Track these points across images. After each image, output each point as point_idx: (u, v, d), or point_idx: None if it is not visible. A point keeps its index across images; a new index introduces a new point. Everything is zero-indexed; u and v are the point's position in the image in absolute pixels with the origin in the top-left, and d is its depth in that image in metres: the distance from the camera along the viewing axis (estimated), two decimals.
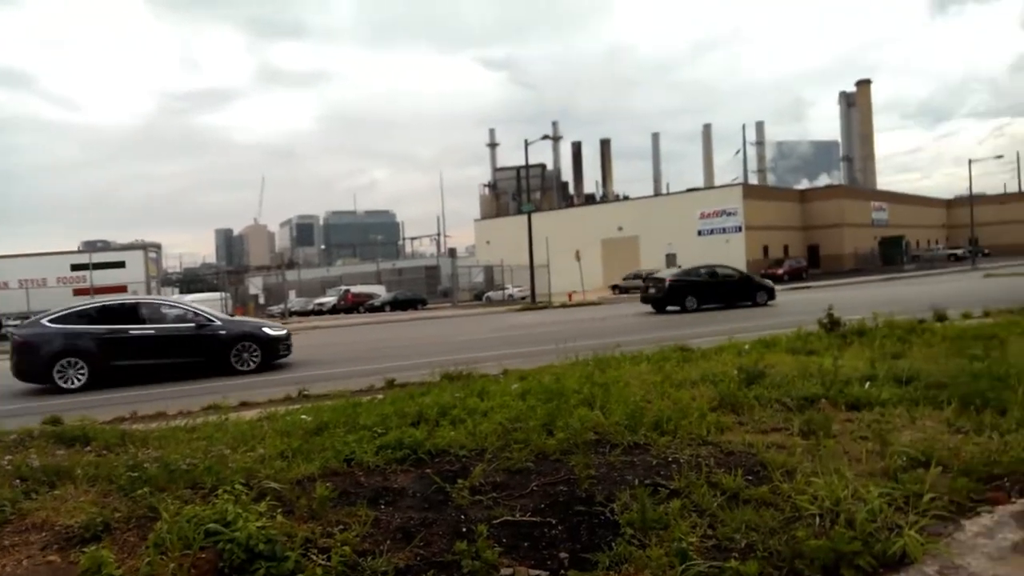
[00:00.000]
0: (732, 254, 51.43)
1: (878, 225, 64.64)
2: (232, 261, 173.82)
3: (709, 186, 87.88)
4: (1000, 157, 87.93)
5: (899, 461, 3.68)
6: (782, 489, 3.43)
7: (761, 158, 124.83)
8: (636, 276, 49.63)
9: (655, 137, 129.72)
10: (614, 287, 50.00)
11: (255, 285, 59.29)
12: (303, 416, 6.22)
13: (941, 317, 11.73)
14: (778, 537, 2.91)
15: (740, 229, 52.64)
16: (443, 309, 43.04)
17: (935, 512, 3.03)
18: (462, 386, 7.44)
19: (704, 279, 24.26)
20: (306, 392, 8.95)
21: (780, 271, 49.53)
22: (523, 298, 43.75)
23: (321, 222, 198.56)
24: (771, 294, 24.58)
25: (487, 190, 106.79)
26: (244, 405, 8.37)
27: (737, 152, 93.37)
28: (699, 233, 54.54)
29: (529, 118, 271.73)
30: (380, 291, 53.54)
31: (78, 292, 30.67)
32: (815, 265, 57.00)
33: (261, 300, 53.55)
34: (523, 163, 42.89)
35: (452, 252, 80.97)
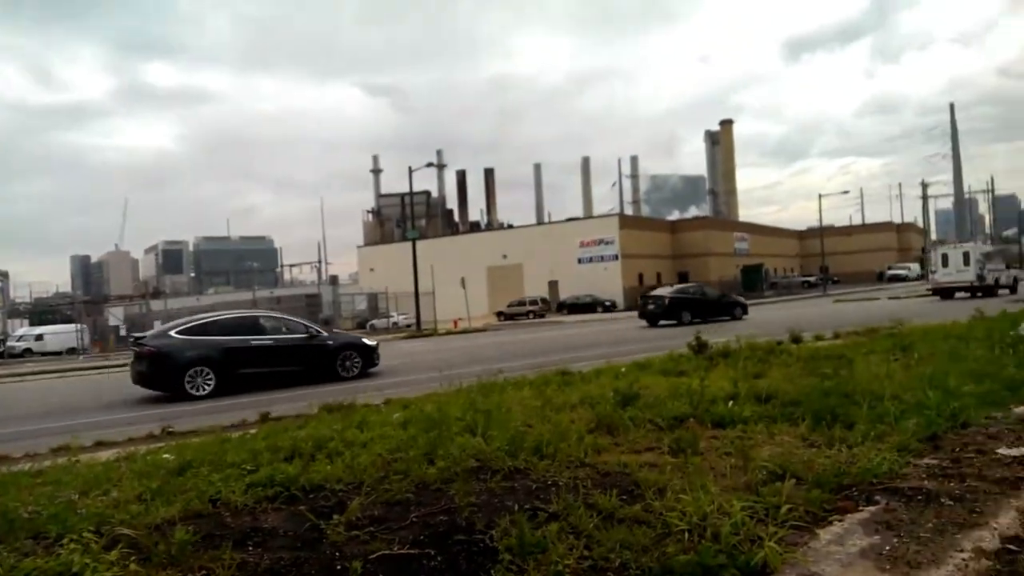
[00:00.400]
0: (610, 282, 53.41)
1: (740, 254, 69.29)
2: (89, 290, 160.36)
3: (588, 216, 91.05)
4: (846, 192, 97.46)
5: (760, 475, 3.90)
6: (654, 507, 3.54)
7: (636, 190, 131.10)
8: (520, 303, 50.45)
9: (537, 168, 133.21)
10: (499, 314, 50.45)
11: (115, 316, 54.95)
12: (165, 455, 5.79)
13: (797, 339, 12.67)
14: (650, 554, 3.00)
15: (617, 257, 54.77)
16: None
17: (792, 522, 3.22)
18: (341, 417, 7.20)
19: (696, 297, 27.37)
20: (170, 429, 8.36)
21: None
22: (408, 325, 43.23)
23: (191, 248, 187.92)
24: (744, 310, 27.76)
25: (371, 216, 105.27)
26: (100, 445, 7.70)
27: (614, 184, 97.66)
28: (579, 261, 56.24)
29: (414, 145, 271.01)
30: None
31: None
32: None
33: (122, 332, 49.75)
34: (407, 190, 42.63)
35: (334, 279, 78.85)
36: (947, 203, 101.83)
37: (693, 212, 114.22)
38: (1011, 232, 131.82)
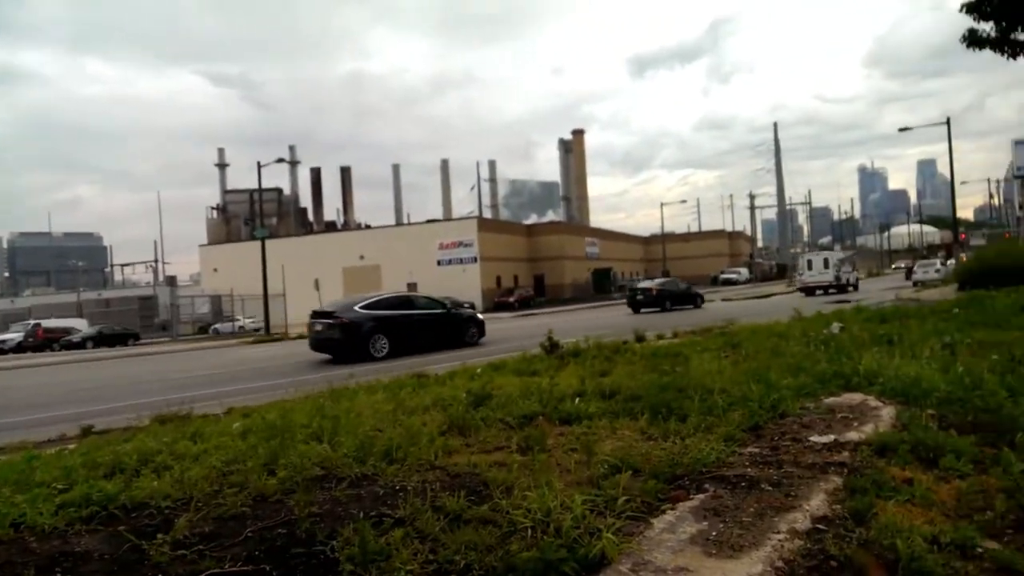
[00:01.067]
0: (469, 283, 53.75)
1: (591, 258, 72.33)
2: None
3: (448, 218, 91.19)
4: (684, 202, 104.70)
5: (601, 469, 4.03)
6: (501, 505, 3.56)
7: (494, 194, 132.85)
8: None
9: (395, 168, 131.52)
10: None
11: None
12: None
13: (641, 338, 13.36)
14: (495, 553, 3.00)
15: (476, 260, 55.26)
16: (161, 344, 38.72)
17: (629, 513, 3.35)
18: (174, 428, 6.67)
19: (675, 289, 33.85)
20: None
21: (511, 299, 52.87)
22: (256, 330, 41.09)
23: (5, 244, 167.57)
24: (702, 299, 34.14)
25: (215, 213, 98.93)
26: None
27: (472, 188, 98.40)
28: (439, 263, 56.17)
29: (264, 140, 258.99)
30: (81, 325, 46.59)
31: None
32: (541, 294, 61.80)
33: None
34: (256, 186, 40.44)
35: (172, 280, 73.18)
36: (772, 213, 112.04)
37: (551, 216, 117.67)
38: (826, 240, 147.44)
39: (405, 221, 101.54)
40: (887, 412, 5.16)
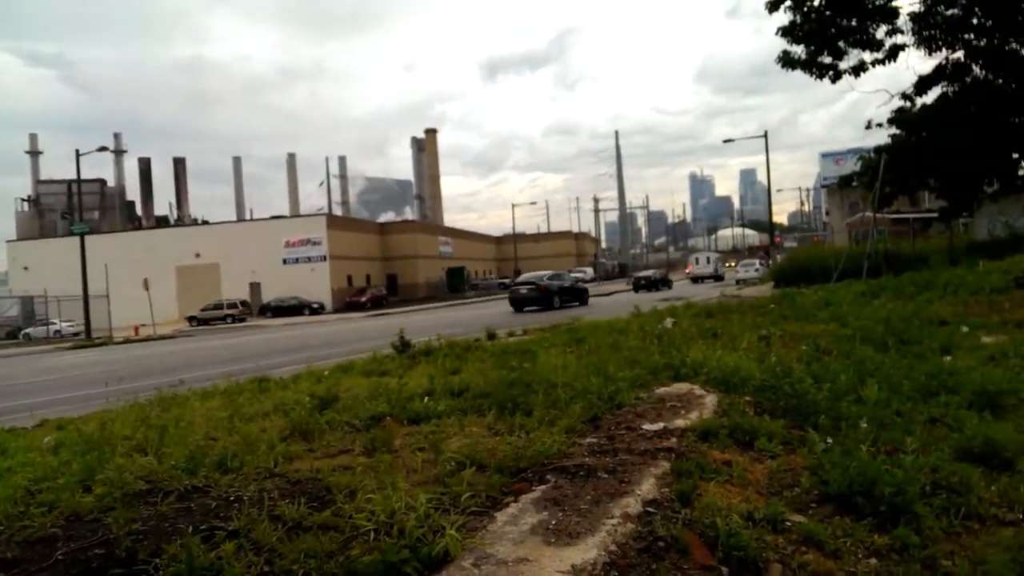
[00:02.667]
0: (318, 283, 51.99)
1: (445, 257, 72.51)
2: None
3: (295, 215, 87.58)
4: (534, 203, 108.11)
5: (448, 467, 4.05)
6: (344, 510, 3.47)
7: (345, 191, 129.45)
8: (217, 306, 46.56)
9: (237, 160, 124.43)
10: (192, 318, 46.03)
11: None
12: None
13: (492, 336, 13.57)
14: (335, 559, 2.92)
15: (325, 258, 53.54)
16: None
17: (473, 509, 3.39)
18: None
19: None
20: None
21: (363, 299, 51.79)
22: (76, 334, 37.27)
23: None
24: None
25: (27, 205, 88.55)
26: None
27: (321, 183, 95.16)
28: (285, 261, 53.83)
29: (86, 126, 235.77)
30: None
31: None
32: (394, 293, 61.07)
33: None
34: (75, 176, 36.59)
35: None
36: (614, 216, 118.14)
37: (409, 215, 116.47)
38: (661, 240, 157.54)
39: (248, 217, 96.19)
40: (710, 400, 5.60)
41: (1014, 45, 22.18)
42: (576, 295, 32.26)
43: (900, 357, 7.26)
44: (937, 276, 15.56)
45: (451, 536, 2.96)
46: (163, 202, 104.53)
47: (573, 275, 44.70)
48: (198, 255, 54.70)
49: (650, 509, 3.44)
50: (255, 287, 53.20)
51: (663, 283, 46.53)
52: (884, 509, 3.37)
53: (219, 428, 5.74)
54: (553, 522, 3.25)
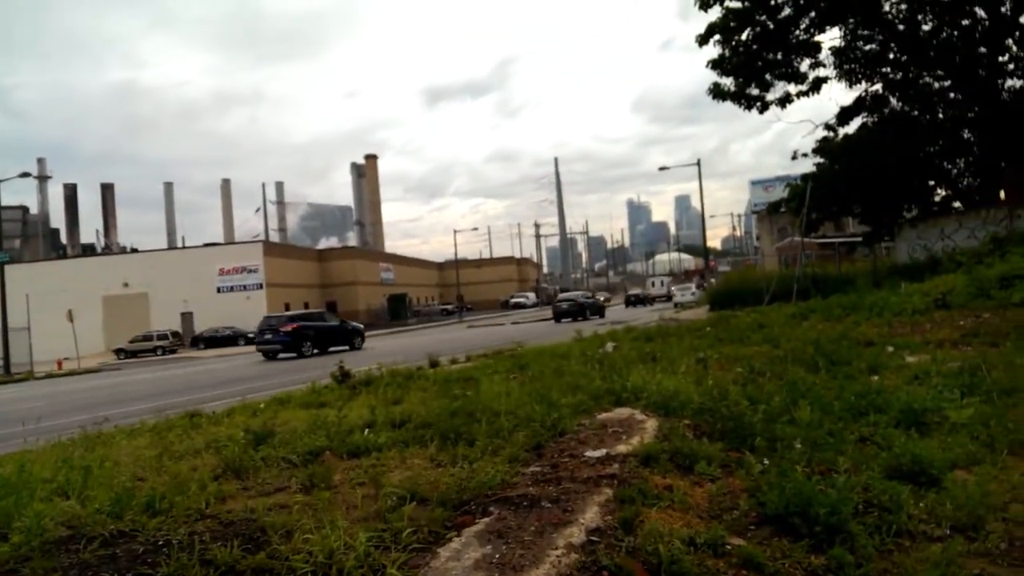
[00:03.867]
0: (254, 311, 50.55)
1: (386, 283, 71.79)
2: None
3: (230, 242, 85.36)
4: (476, 229, 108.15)
5: (389, 502, 3.95)
6: (280, 552, 3.34)
7: (283, 217, 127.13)
8: (146, 337, 44.75)
9: (168, 187, 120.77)
10: (119, 351, 44.10)
11: None
12: None
13: (435, 363, 13.44)
14: None
15: (261, 286, 52.24)
16: None
17: (415, 545, 3.31)
18: None
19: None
20: None
21: None
22: None
23: None
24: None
25: None
26: None
27: (258, 210, 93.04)
28: (219, 290, 52.28)
29: (11, 152, 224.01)
30: None
31: None
32: None
33: None
34: None
35: None
36: (555, 241, 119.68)
37: (347, 241, 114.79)
38: (601, 264, 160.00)
39: (180, 244, 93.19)
40: (651, 424, 5.66)
41: (927, 79, 23.66)
42: (598, 310, 39.86)
43: (830, 378, 7.51)
44: (863, 298, 16.23)
45: (392, 575, 2.88)
46: (90, 230, 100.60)
47: (600, 295, 58.26)
48: (126, 284, 52.60)
49: (594, 538, 3.43)
50: (187, 317, 51.42)
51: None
52: (819, 529, 3.45)
53: (147, 468, 5.48)
54: (497, 556, 3.20)
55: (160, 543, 3.76)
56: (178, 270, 52.57)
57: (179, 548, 3.57)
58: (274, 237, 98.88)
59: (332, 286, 63.38)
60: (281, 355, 25.84)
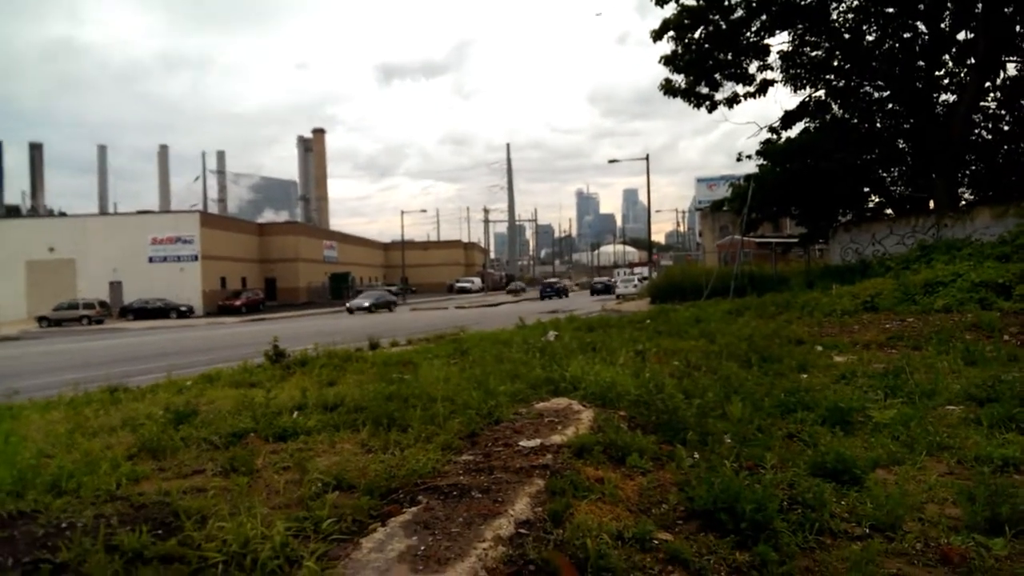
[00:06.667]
0: (187, 285, 49.00)
1: (329, 262, 70.36)
2: None
3: (164, 210, 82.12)
4: (425, 211, 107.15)
5: (313, 488, 3.81)
6: (193, 539, 3.17)
7: (223, 187, 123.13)
8: (72, 306, 42.80)
9: (102, 150, 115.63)
10: (42, 319, 42.11)
11: None
12: None
13: (375, 346, 13.20)
14: None
15: (197, 258, 50.53)
16: None
17: (336, 536, 3.19)
18: None
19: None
20: None
21: (238, 302, 49.30)
22: None
23: None
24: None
25: None
26: None
27: (196, 179, 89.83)
28: (151, 260, 50.33)
29: None
30: None
31: None
32: (272, 297, 58.59)
33: None
34: None
35: None
36: (503, 227, 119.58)
37: (295, 216, 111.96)
38: (548, 252, 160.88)
39: (112, 211, 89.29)
40: (587, 415, 5.64)
41: (868, 88, 24.44)
42: (565, 292, 56.92)
43: (762, 374, 7.67)
44: (796, 298, 16.70)
45: (309, 568, 2.76)
46: (15, 191, 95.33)
47: (564, 281, 72.11)
48: (52, 249, 50.06)
49: (522, 531, 3.37)
50: (116, 286, 49.37)
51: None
52: (745, 526, 3.47)
53: (57, 444, 5.18)
54: (422, 547, 3.11)
55: (63, 525, 3.53)
56: (108, 237, 50.32)
57: (83, 531, 3.36)
58: (213, 208, 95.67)
59: (272, 262, 61.79)
60: None
